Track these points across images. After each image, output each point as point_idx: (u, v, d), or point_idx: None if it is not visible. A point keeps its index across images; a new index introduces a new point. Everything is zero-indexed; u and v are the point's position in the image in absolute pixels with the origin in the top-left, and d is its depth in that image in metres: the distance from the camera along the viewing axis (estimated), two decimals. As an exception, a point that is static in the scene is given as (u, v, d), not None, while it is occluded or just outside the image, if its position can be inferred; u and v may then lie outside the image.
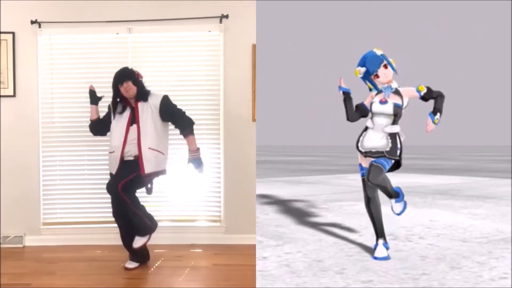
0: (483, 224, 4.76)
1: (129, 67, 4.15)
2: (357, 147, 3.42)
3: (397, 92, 3.35)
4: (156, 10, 4.78)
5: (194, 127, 4.05)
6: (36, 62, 4.80)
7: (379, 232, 3.44)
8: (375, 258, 3.35)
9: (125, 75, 4.01)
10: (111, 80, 4.05)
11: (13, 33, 4.76)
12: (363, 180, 3.43)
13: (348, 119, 3.50)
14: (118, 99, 4.08)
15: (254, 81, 4.80)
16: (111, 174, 4.09)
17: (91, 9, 4.77)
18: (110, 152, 4.09)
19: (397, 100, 3.32)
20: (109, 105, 4.17)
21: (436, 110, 3.29)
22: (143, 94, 4.03)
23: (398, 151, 3.33)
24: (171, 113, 4.03)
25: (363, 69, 3.33)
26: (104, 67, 4.76)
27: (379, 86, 3.39)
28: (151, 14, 4.78)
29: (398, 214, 3.52)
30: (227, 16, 4.74)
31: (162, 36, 4.82)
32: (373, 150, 3.34)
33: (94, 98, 4.22)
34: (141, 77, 4.09)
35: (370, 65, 3.30)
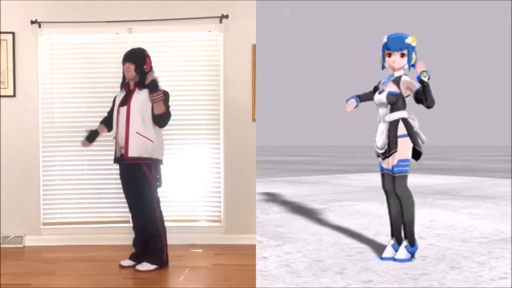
0: (483, 224, 4.76)
1: (145, 51, 4.01)
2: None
3: (396, 81, 3.28)
4: (156, 10, 4.78)
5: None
6: (36, 62, 4.80)
7: (395, 231, 3.36)
8: (381, 258, 3.31)
9: (130, 57, 3.94)
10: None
11: (13, 33, 4.76)
12: (382, 175, 3.38)
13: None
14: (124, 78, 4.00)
15: (254, 81, 4.80)
16: (115, 159, 4.02)
17: (91, 9, 4.77)
18: (113, 138, 4.04)
19: (393, 89, 3.26)
20: (113, 99, 4.12)
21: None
22: (141, 83, 3.92)
23: (406, 137, 3.22)
24: None
25: (385, 40, 3.30)
26: (104, 67, 4.76)
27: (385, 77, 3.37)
28: (151, 14, 4.78)
29: (395, 260, 3.26)
30: (227, 16, 4.74)
31: (162, 36, 4.82)
32: (376, 151, 3.35)
33: (91, 137, 4.15)
34: (148, 68, 3.94)
35: (391, 41, 3.27)
